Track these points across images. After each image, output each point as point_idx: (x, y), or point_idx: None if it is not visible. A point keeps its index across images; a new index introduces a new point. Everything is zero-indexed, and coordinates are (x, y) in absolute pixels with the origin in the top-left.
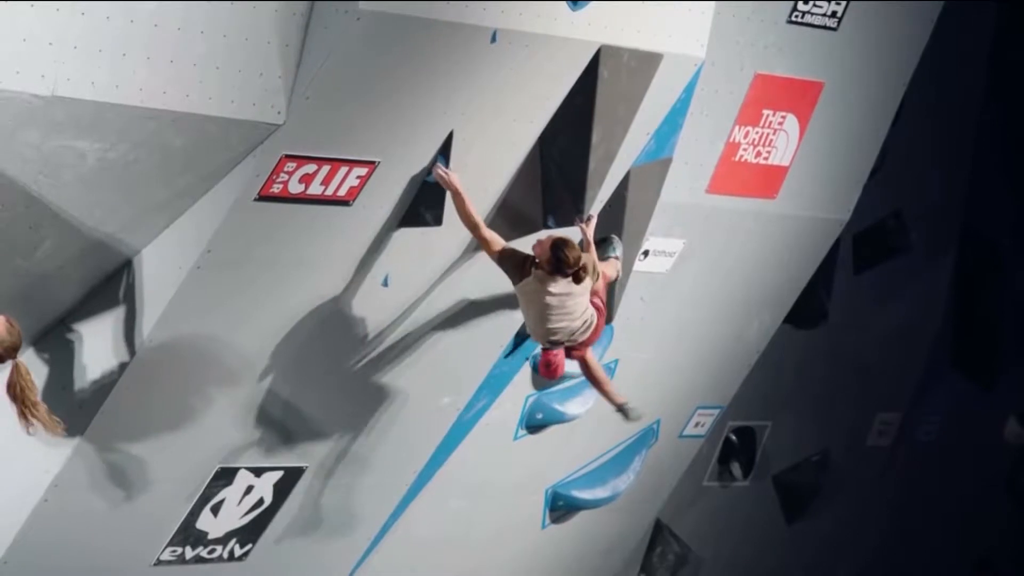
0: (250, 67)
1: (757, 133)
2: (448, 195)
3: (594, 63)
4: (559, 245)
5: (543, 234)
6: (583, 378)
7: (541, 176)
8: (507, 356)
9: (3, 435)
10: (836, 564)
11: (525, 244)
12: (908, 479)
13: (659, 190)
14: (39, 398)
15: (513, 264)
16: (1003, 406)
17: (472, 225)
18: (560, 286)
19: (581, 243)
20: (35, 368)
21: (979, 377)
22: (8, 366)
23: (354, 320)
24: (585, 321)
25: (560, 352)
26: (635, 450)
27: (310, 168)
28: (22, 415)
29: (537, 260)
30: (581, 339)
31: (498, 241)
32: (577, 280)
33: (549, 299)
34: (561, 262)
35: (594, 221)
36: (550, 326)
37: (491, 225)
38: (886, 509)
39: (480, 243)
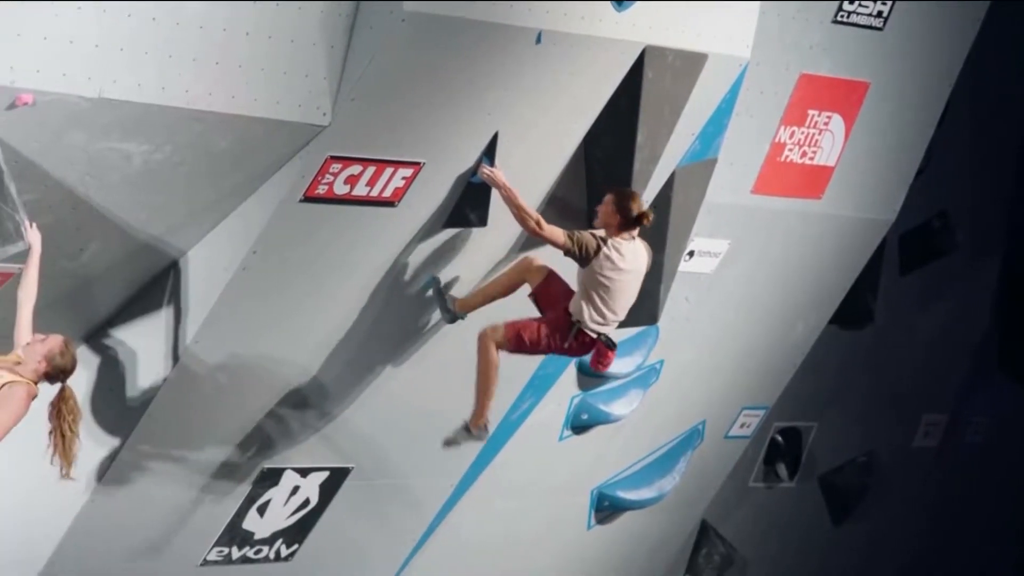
0: (295, 69)
1: (803, 133)
2: (493, 195)
3: (639, 64)
4: (621, 197)
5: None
6: (628, 379)
7: (586, 177)
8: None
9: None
10: (882, 565)
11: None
12: (954, 481)
13: (704, 191)
14: (79, 431)
15: (587, 246)
16: None
17: (525, 218)
18: (629, 252)
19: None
20: (84, 368)
21: None
22: (56, 388)
23: (399, 321)
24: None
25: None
26: (681, 451)
27: (355, 169)
28: (55, 437)
29: (603, 233)
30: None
31: (559, 232)
32: (642, 220)
33: (622, 274)
34: (628, 211)
35: None
36: (614, 307)
37: None
38: (931, 510)
39: (541, 239)
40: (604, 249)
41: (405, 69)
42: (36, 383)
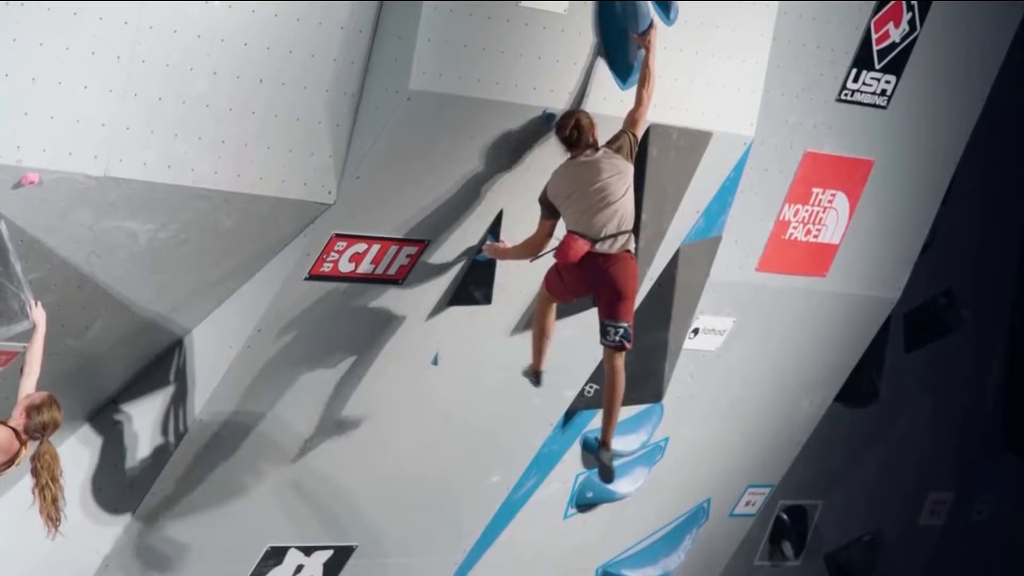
0: (301, 147)
1: (807, 211)
2: (498, 273)
3: (643, 141)
4: (563, 117)
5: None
6: (633, 456)
7: None
8: (562, 428)
9: None
10: None
11: (573, 321)
12: (960, 559)
13: (709, 268)
14: (60, 484)
15: (545, 204)
16: None
17: (524, 254)
18: (585, 159)
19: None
20: (87, 446)
21: None
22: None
23: (404, 399)
24: (629, 211)
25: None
26: (685, 529)
27: (360, 247)
28: (36, 493)
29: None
30: (626, 228)
31: (537, 234)
32: (579, 134)
33: (587, 187)
34: (562, 134)
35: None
36: (597, 216)
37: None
38: None
39: (543, 240)
40: (553, 177)
41: (410, 147)
42: (22, 440)
